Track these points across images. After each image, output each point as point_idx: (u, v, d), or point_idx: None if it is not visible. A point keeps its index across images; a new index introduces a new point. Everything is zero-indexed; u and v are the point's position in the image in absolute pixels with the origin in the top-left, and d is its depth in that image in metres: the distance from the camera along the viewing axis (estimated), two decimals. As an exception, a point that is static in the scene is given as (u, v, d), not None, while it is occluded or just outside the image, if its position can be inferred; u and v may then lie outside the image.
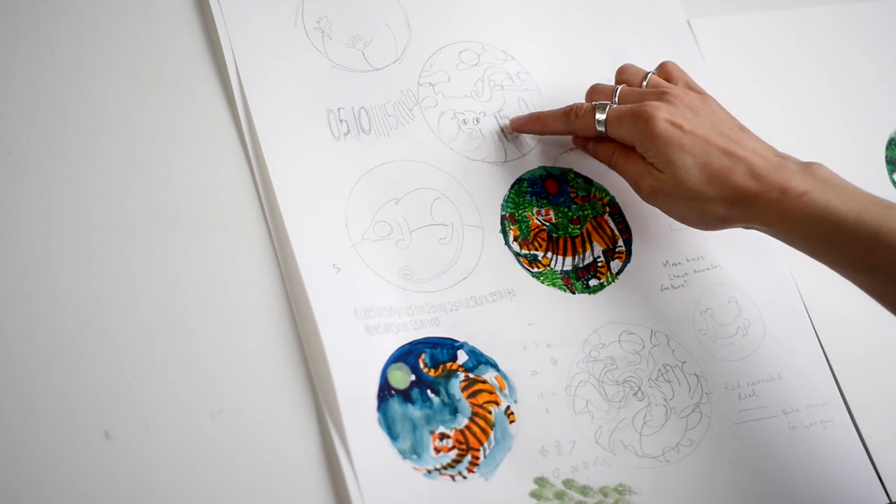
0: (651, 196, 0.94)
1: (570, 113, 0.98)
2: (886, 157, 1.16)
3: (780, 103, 1.15)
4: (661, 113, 0.92)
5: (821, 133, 1.15)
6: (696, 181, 0.90)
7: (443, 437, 0.87)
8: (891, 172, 1.16)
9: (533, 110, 1.02)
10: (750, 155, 0.90)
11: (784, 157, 0.91)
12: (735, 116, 0.95)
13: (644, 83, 0.98)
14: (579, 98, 1.02)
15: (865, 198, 0.87)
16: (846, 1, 1.25)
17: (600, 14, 1.11)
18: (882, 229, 0.85)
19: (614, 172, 1.01)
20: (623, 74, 1.00)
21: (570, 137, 1.02)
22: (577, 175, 1.02)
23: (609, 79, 1.04)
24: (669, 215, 0.96)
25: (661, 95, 0.94)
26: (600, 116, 0.95)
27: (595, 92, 1.00)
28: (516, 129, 1.02)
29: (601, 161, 1.00)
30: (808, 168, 0.89)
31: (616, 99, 0.97)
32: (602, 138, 0.97)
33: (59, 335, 0.81)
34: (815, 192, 0.87)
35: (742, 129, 0.94)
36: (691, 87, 0.98)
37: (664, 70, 1.00)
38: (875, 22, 1.24)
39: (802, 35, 1.20)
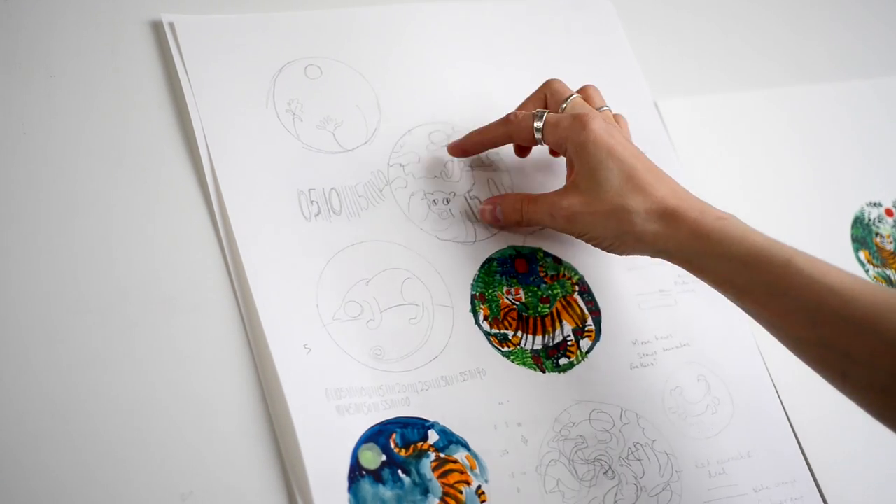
0: (569, 219, 0.94)
1: (509, 117, 0.99)
2: (852, 235, 1.18)
3: (746, 182, 1.16)
4: (598, 121, 0.94)
5: (787, 212, 1.16)
6: (619, 191, 0.91)
7: (414, 517, 0.87)
8: (856, 251, 1.17)
9: (502, 191, 1.03)
10: (671, 180, 0.93)
11: None
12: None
13: (566, 102, 0.99)
14: (551, 177, 1.05)
15: (774, 238, 0.90)
16: (811, 82, 1.27)
17: (568, 95, 1.12)
18: (796, 256, 0.86)
19: (584, 252, 1.02)
20: (549, 88, 1.01)
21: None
22: (547, 254, 1.03)
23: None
24: (585, 237, 0.96)
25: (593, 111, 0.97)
26: (538, 124, 0.97)
27: (529, 102, 1.02)
28: (455, 153, 1.03)
29: (507, 218, 1.00)
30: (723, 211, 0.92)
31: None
32: (503, 197, 1.00)
33: (27, 417, 0.81)
34: (733, 220, 0.90)
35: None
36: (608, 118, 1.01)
37: (586, 93, 1.01)
38: (839, 102, 1.26)
39: (768, 115, 1.22)
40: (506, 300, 0.99)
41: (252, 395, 0.88)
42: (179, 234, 0.91)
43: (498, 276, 1.00)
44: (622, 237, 0.93)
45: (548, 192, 0.98)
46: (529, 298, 1.00)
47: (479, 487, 0.90)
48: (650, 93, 1.16)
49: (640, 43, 1.18)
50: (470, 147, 1.03)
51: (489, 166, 1.05)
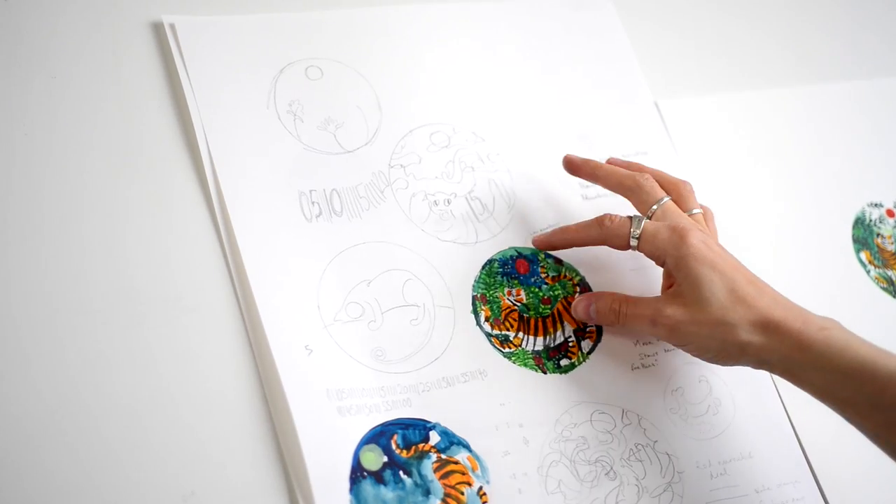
0: (671, 330, 0.93)
1: (604, 221, 0.97)
2: (853, 235, 1.17)
3: (747, 183, 1.16)
4: (697, 235, 0.92)
5: (788, 212, 1.16)
6: (722, 304, 0.90)
7: (415, 518, 0.87)
8: (857, 251, 1.17)
9: (503, 191, 1.03)
10: (772, 290, 0.92)
11: None
12: None
13: (658, 205, 0.97)
14: (552, 178, 1.05)
15: (878, 346, 0.88)
16: (811, 83, 1.27)
17: (569, 95, 1.12)
18: None
19: (585, 252, 1.02)
20: (640, 187, 0.98)
21: (544, 219, 1.03)
22: (548, 255, 1.03)
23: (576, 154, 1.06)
24: (688, 349, 0.94)
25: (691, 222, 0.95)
26: (635, 232, 0.95)
27: (615, 186, 1.01)
28: (541, 247, 1.02)
29: (602, 318, 0.98)
30: (824, 317, 0.91)
31: (647, 216, 0.97)
32: (599, 296, 0.98)
33: (29, 417, 0.81)
34: (836, 329, 0.89)
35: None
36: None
37: (678, 193, 0.99)
38: (840, 103, 1.26)
39: (769, 116, 1.22)
40: (507, 301, 0.99)
41: (253, 396, 0.88)
42: (181, 236, 0.91)
43: (499, 277, 1.00)
44: (726, 349, 0.91)
45: (647, 296, 0.96)
46: (531, 299, 1.00)
47: (480, 488, 0.90)
48: (651, 93, 1.16)
49: (640, 43, 1.18)
50: (559, 244, 1.02)
51: (489, 166, 1.05)
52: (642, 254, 0.96)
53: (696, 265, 0.91)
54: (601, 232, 0.97)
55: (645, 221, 0.95)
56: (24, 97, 0.92)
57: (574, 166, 1.03)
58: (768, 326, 0.89)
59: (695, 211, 0.99)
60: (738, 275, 0.91)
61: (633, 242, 0.95)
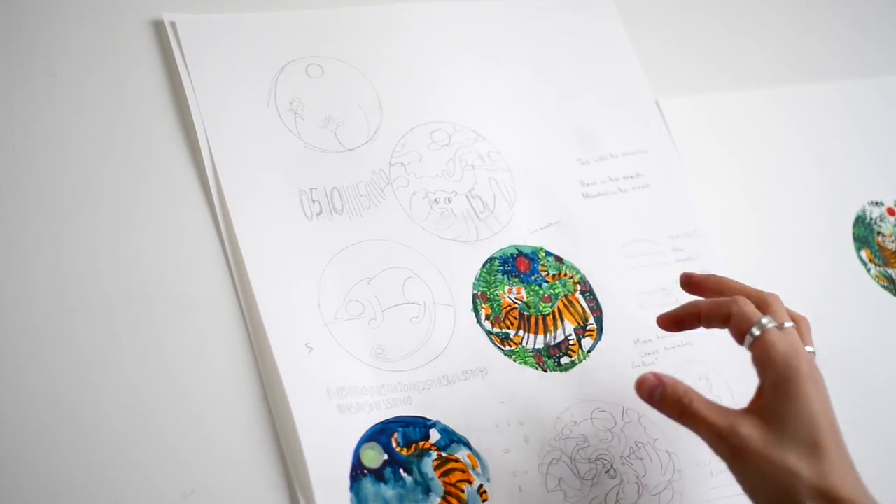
0: (737, 454, 0.83)
1: (732, 308, 0.89)
2: (853, 234, 1.18)
3: (748, 181, 1.16)
4: (814, 373, 0.85)
5: (788, 211, 1.16)
6: (799, 453, 0.81)
7: (416, 516, 0.87)
8: (858, 249, 1.17)
9: (503, 190, 1.03)
10: (851, 464, 0.84)
11: None
12: None
13: (783, 326, 0.89)
14: (552, 176, 1.05)
15: None
16: (813, 81, 1.27)
17: (570, 94, 1.12)
18: None
19: (585, 250, 1.02)
20: (773, 303, 0.91)
21: (545, 217, 1.04)
22: (548, 253, 1.03)
23: (579, 158, 1.06)
24: (741, 480, 0.84)
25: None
26: (755, 331, 0.87)
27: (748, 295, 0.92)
28: (666, 326, 0.95)
29: (665, 407, 0.88)
30: None
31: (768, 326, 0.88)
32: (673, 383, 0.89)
33: (28, 416, 0.81)
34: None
35: None
36: None
37: (805, 325, 0.92)
38: (841, 101, 1.26)
39: (770, 114, 1.22)
40: (507, 299, 0.99)
41: (253, 394, 0.88)
42: (181, 234, 0.92)
43: (499, 275, 1.00)
44: (778, 499, 0.82)
45: (723, 406, 0.87)
46: (531, 297, 1.00)
47: (480, 486, 0.90)
48: (652, 91, 1.16)
49: (641, 41, 1.18)
50: (685, 319, 0.94)
51: (490, 165, 1.05)
52: (750, 355, 0.88)
53: (796, 397, 0.83)
54: (730, 309, 0.89)
55: (772, 327, 0.87)
56: (24, 95, 0.92)
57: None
58: (828, 499, 0.81)
59: (787, 324, 0.89)
60: (831, 433, 0.83)
61: (749, 339, 0.88)
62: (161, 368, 0.86)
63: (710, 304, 0.91)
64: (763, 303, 0.90)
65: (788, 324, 0.89)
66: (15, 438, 0.80)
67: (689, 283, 0.96)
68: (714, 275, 0.95)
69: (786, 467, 0.81)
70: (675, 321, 0.94)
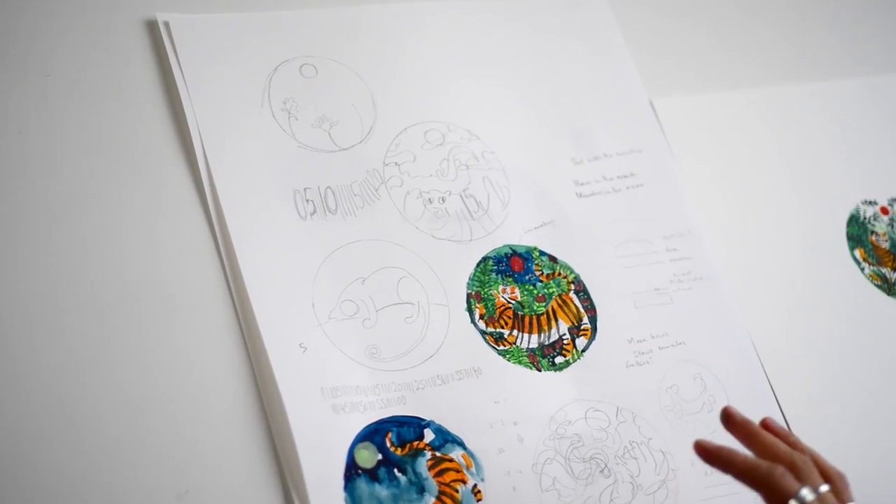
0: None
1: (774, 473, 0.85)
2: (847, 233, 1.17)
3: (742, 180, 1.16)
4: None
5: (783, 210, 1.16)
6: None
7: (410, 516, 0.87)
8: (852, 249, 1.17)
9: (497, 189, 1.03)
10: None
11: None
12: None
13: (817, 491, 0.86)
14: (546, 175, 1.04)
15: None
16: (805, 81, 1.27)
17: (564, 94, 1.12)
18: None
19: (580, 250, 1.02)
20: (802, 465, 0.88)
21: (539, 216, 1.04)
22: (542, 253, 1.03)
23: (573, 157, 1.06)
24: None
25: None
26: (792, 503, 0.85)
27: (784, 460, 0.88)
28: (704, 456, 0.89)
29: (749, 475, 0.86)
30: None
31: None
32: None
33: (24, 416, 0.81)
34: None
35: None
36: None
37: (842, 483, 0.89)
38: (835, 101, 1.26)
39: (764, 114, 1.22)
40: (501, 299, 0.99)
41: (248, 394, 0.88)
42: (175, 234, 0.91)
43: (494, 275, 1.00)
44: None
45: None
46: (525, 297, 1.00)
47: (475, 486, 0.90)
48: (646, 91, 1.16)
49: (635, 42, 1.18)
50: (717, 464, 0.89)
51: (484, 164, 1.05)
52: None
53: None
54: (766, 480, 0.86)
55: (813, 499, 0.84)
56: (17, 95, 0.92)
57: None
58: None
59: (822, 488, 0.86)
60: None
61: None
62: (155, 368, 0.86)
63: (746, 465, 0.87)
64: (795, 467, 0.87)
65: (824, 487, 0.86)
66: (9, 438, 0.80)
67: (726, 420, 0.91)
68: (752, 424, 0.91)
69: None
70: (707, 457, 0.89)
